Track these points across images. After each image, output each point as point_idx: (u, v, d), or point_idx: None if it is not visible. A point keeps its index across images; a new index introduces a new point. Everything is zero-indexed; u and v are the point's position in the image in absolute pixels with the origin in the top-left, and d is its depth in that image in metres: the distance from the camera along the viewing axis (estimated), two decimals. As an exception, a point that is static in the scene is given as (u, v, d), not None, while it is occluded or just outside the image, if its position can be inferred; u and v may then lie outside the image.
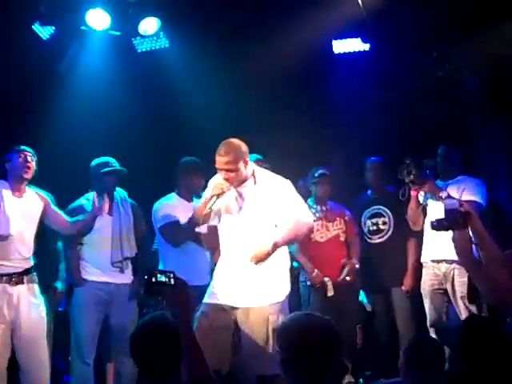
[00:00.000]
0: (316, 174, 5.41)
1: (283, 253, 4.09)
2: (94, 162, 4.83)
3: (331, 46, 6.38)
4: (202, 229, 4.14)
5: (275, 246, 3.90)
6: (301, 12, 5.92)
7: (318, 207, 5.43)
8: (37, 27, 5.70)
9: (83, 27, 5.78)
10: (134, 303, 4.89)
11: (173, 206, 4.95)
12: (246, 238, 3.96)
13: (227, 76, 6.23)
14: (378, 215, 5.47)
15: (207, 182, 4.91)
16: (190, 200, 5.04)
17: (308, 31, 5.99)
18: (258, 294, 3.95)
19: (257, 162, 4.52)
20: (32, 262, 4.34)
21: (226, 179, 3.92)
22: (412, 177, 4.77)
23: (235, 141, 3.99)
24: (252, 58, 6.14)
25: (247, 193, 4.01)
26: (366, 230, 5.50)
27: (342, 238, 5.41)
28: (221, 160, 3.91)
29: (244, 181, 4.00)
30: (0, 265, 4.20)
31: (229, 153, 3.89)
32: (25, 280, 4.25)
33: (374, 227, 5.47)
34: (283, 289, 4.06)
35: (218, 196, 3.92)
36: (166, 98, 6.39)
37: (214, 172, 4.90)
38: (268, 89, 6.31)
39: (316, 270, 5.22)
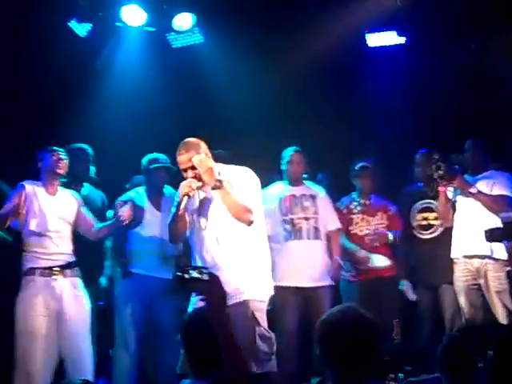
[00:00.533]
0: (356, 168, 5.37)
1: (263, 251, 3.96)
2: (145, 159, 4.90)
3: (365, 39, 6.32)
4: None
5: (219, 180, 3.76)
6: (334, 5, 5.90)
7: (361, 201, 5.40)
8: (74, 24, 5.77)
9: (119, 24, 5.84)
10: (178, 298, 4.93)
11: None
12: (218, 238, 3.85)
13: (262, 70, 6.23)
14: (429, 210, 5.30)
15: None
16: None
17: (341, 25, 5.97)
18: (240, 290, 3.75)
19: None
20: (74, 257, 4.41)
21: (194, 177, 3.80)
22: (441, 172, 4.72)
23: (193, 139, 3.93)
24: (286, 52, 6.15)
25: (209, 191, 3.88)
26: (415, 224, 5.33)
27: None
28: (182, 159, 3.85)
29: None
30: (43, 259, 4.28)
31: (189, 150, 3.83)
32: (68, 274, 4.31)
33: (425, 222, 5.32)
34: (266, 288, 3.91)
35: (189, 195, 3.79)
36: (200, 92, 6.41)
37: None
38: (302, 83, 6.30)
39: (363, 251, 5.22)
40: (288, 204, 5.10)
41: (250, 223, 3.82)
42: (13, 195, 4.30)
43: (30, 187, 4.33)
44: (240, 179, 3.91)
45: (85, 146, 4.95)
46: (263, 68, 6.25)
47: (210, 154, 3.91)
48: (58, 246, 4.31)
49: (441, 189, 4.89)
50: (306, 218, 5.08)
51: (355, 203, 5.34)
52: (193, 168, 3.80)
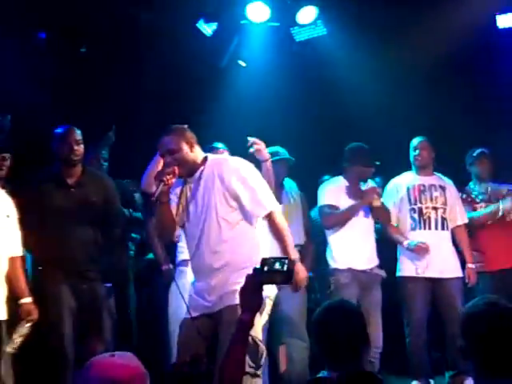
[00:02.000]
0: (474, 154, 5.25)
1: (259, 247, 3.68)
2: None
3: (495, 20, 6.10)
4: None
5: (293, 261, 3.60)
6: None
7: (481, 189, 5.25)
8: (201, 25, 5.94)
9: (243, 21, 5.96)
10: (302, 289, 4.98)
11: (338, 188, 5.00)
12: (206, 231, 3.58)
13: (386, 59, 6.15)
14: None
15: (373, 167, 4.92)
16: (356, 185, 5.05)
17: (469, 6, 5.77)
18: (232, 292, 3.46)
19: (213, 150, 4.39)
20: None
21: (170, 162, 3.54)
22: None
23: (180, 126, 3.69)
24: (411, 40, 6.01)
25: (196, 183, 3.64)
26: None
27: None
28: (163, 141, 3.61)
29: (193, 170, 3.64)
30: None
31: (170, 132, 3.61)
32: None
33: None
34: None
35: (165, 182, 3.48)
36: (325, 84, 6.42)
37: (377, 157, 4.93)
38: (428, 70, 6.16)
39: None
40: (417, 193, 5.04)
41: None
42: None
43: None
44: (251, 171, 3.70)
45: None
46: (387, 57, 6.16)
47: (195, 143, 3.65)
48: None
49: None
50: (435, 208, 5.00)
51: (475, 193, 5.21)
52: (170, 152, 3.57)
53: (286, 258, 2.54)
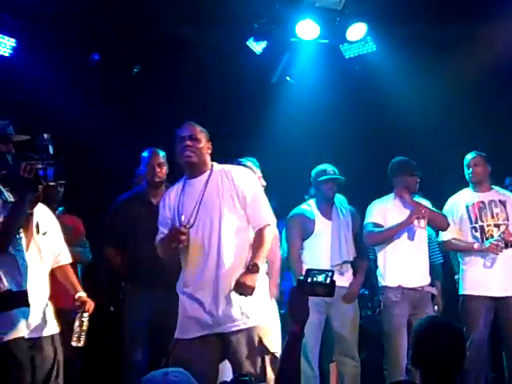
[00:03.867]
0: None
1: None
2: (314, 171, 5.02)
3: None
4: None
5: (257, 268, 3.45)
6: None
7: None
8: (250, 43, 6.01)
9: (293, 39, 6.00)
10: (353, 305, 4.97)
11: (385, 208, 4.97)
12: (214, 235, 3.51)
13: (436, 76, 6.10)
14: None
15: (417, 176, 4.88)
16: (405, 198, 4.99)
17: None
18: (247, 314, 3.46)
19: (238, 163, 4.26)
20: None
21: (187, 146, 3.55)
22: None
23: None
24: (460, 56, 5.97)
25: (202, 186, 3.59)
26: None
27: None
28: (188, 125, 3.65)
29: (199, 171, 3.62)
30: None
31: (196, 125, 3.69)
32: None
33: None
34: (269, 309, 3.65)
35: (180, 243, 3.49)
36: (375, 101, 6.41)
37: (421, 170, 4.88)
38: (479, 86, 6.09)
39: None
40: (477, 211, 4.97)
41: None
42: None
43: None
44: (258, 182, 3.78)
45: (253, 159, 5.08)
46: (437, 74, 6.12)
47: (210, 148, 3.68)
48: None
49: None
50: (497, 225, 4.92)
51: None
52: (191, 137, 3.58)
53: (331, 271, 2.54)
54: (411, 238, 4.86)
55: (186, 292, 3.58)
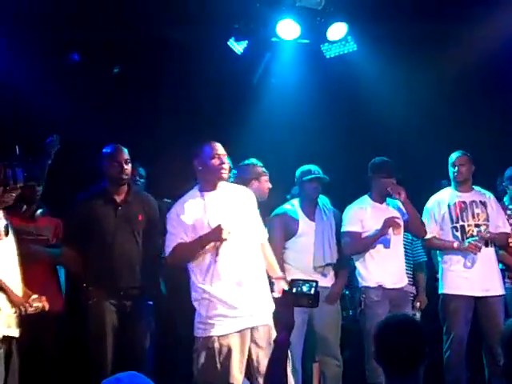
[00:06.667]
0: None
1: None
2: (298, 171, 5.02)
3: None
4: None
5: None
6: (491, 3, 5.68)
7: None
8: (231, 43, 5.99)
9: (274, 39, 6.00)
10: (335, 306, 4.99)
11: (362, 212, 4.99)
12: (242, 241, 3.89)
13: (416, 76, 6.14)
14: None
15: (393, 177, 4.90)
16: (382, 202, 5.04)
17: (504, 23, 5.73)
18: (266, 307, 3.80)
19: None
20: None
21: (226, 164, 3.94)
22: None
23: None
24: (442, 56, 6.02)
25: (220, 198, 3.96)
26: None
27: None
28: (219, 144, 3.99)
29: (216, 184, 3.99)
30: None
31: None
32: None
33: None
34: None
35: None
36: (356, 100, 6.43)
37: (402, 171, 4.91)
38: (460, 87, 6.15)
39: None
40: (458, 211, 5.00)
41: None
42: None
43: None
44: (248, 198, 4.07)
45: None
46: (417, 73, 6.15)
47: None
48: None
49: None
50: (478, 225, 4.95)
51: (509, 212, 5.16)
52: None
53: (315, 282, 2.57)
54: (387, 244, 4.90)
55: (219, 291, 3.82)
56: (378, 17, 5.96)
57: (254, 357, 3.78)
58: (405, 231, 5.01)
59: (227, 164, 3.98)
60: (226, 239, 3.77)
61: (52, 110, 5.64)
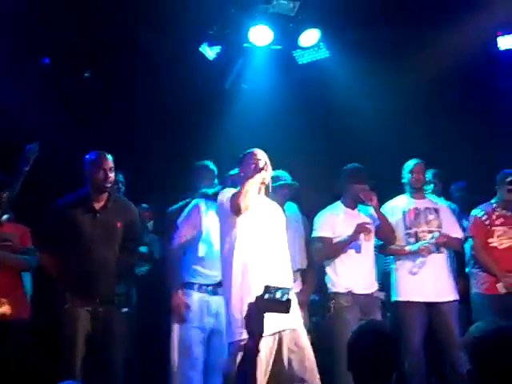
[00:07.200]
0: (508, 180, 5.05)
1: None
2: None
3: (496, 42, 6.13)
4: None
5: None
6: (462, 7, 5.74)
7: (504, 212, 5.14)
8: (203, 48, 5.99)
9: (246, 44, 6.01)
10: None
11: (334, 217, 5.01)
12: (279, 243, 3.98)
13: (389, 82, 6.18)
14: None
15: (364, 184, 4.93)
16: (354, 208, 5.06)
17: (470, 27, 5.78)
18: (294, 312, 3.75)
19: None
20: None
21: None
22: None
23: None
24: (413, 62, 6.06)
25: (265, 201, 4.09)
26: None
27: None
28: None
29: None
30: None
31: None
32: (219, 291, 4.31)
33: None
34: None
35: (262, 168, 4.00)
36: (327, 106, 6.47)
37: (375, 177, 4.94)
38: (431, 92, 6.19)
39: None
40: (412, 217, 5.04)
41: None
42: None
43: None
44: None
45: (208, 162, 5.05)
46: (389, 79, 6.19)
47: None
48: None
49: None
50: (431, 232, 5.00)
51: (497, 213, 5.14)
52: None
53: (287, 289, 2.57)
54: (358, 249, 4.91)
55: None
56: (350, 23, 6.00)
57: (286, 361, 3.77)
58: (375, 237, 5.03)
59: None
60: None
61: (23, 115, 5.59)
